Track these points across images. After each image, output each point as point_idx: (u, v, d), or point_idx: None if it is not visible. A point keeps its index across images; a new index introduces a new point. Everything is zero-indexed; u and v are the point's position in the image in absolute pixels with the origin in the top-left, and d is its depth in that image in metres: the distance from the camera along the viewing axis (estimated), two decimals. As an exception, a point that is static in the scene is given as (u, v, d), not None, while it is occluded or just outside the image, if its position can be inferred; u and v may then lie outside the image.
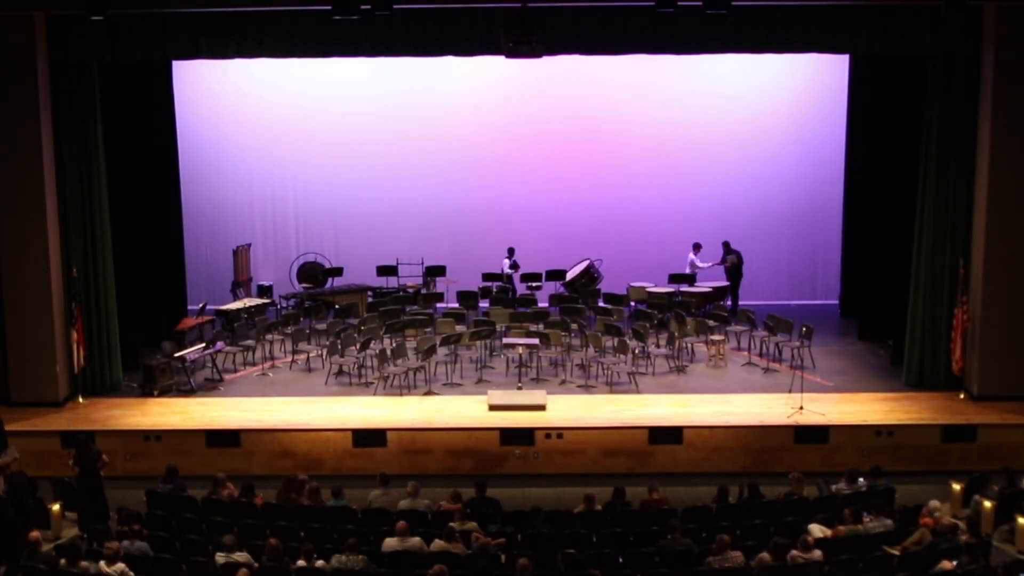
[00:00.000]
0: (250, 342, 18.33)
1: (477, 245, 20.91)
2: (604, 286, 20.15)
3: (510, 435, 15.31)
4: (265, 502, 12.99)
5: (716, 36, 15.82)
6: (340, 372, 17.48)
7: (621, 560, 11.52)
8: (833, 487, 13.56)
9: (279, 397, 16.62)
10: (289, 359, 18.25)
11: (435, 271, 20.56)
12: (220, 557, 11.31)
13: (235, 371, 17.87)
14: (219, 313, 19.42)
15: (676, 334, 18.09)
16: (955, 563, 11.09)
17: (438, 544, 11.65)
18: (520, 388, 16.81)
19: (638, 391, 16.67)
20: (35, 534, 11.89)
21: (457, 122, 20.96)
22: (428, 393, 16.73)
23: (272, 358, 18.35)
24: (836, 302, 20.73)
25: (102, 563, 11.09)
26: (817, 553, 11.34)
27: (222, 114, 20.91)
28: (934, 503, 12.59)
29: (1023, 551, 12.60)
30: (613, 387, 16.84)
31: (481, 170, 21.14)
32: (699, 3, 14.23)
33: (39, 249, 16.07)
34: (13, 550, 12.02)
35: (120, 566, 11.02)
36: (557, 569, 11.13)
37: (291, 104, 20.89)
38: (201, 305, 19.16)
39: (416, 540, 11.72)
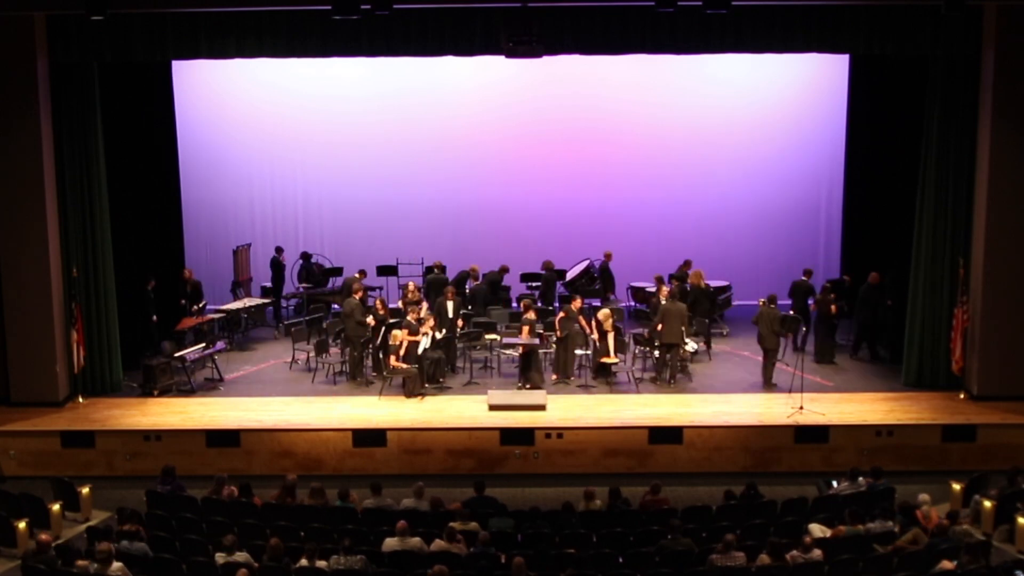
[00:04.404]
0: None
1: (477, 245, 20.89)
2: (604, 286, 20.19)
3: (510, 435, 15.31)
4: (265, 502, 12.99)
5: (716, 36, 15.81)
6: (340, 372, 17.48)
7: (621, 560, 11.52)
8: (833, 486, 13.59)
9: (279, 397, 16.62)
10: (289, 359, 18.26)
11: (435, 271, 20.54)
12: (220, 557, 11.31)
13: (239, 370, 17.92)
14: (219, 312, 19.45)
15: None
16: (955, 563, 11.09)
17: (438, 544, 11.65)
18: (520, 388, 16.81)
19: (638, 391, 16.66)
20: (44, 536, 11.90)
21: (457, 122, 20.97)
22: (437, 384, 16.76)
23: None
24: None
25: (97, 565, 11.09)
26: (817, 553, 11.35)
27: (222, 114, 20.92)
28: (923, 496, 12.59)
29: (1023, 551, 12.60)
30: (613, 387, 16.83)
31: (481, 170, 21.15)
32: (699, 3, 14.22)
33: (39, 249, 16.07)
34: None
35: (118, 565, 11.01)
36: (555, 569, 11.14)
37: (291, 104, 20.91)
38: (201, 305, 19.16)
39: (416, 540, 11.72)
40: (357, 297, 17.30)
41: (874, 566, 11.29)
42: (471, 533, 11.91)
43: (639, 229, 20.97)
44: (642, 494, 13.25)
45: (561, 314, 17.36)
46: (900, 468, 14.80)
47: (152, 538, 11.86)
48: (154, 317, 18.16)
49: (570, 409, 15.97)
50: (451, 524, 11.93)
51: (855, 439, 15.25)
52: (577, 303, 17.51)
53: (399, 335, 16.41)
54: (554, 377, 17.23)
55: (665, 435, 15.30)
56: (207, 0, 15.45)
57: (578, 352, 17.23)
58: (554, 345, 17.45)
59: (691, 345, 17.14)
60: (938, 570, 11.03)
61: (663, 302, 16.96)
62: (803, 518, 12.51)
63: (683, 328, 16.63)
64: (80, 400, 16.45)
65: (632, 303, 20.36)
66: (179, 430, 15.49)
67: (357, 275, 18.86)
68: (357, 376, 17.23)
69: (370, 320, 17.12)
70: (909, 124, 17.10)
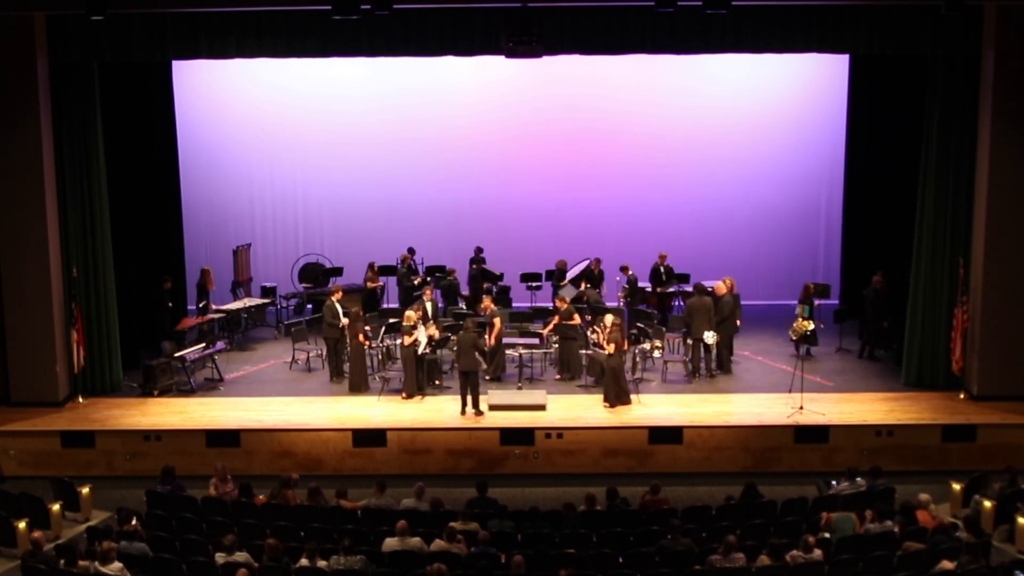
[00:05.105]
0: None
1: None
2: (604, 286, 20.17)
3: (510, 435, 15.31)
4: (265, 502, 12.99)
5: (716, 36, 15.81)
6: (341, 372, 17.49)
7: (621, 560, 11.52)
8: (833, 485, 13.58)
9: (279, 397, 16.62)
10: (289, 359, 18.26)
11: (435, 271, 20.56)
12: (220, 557, 11.32)
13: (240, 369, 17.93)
14: (225, 312, 19.49)
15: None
16: (955, 563, 11.09)
17: (438, 544, 11.65)
18: (520, 388, 16.82)
19: (638, 391, 16.65)
20: (37, 534, 11.91)
21: (457, 122, 20.99)
22: (438, 383, 16.74)
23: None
24: (836, 302, 20.73)
25: (97, 563, 11.10)
26: (817, 553, 11.35)
27: (222, 114, 20.93)
28: (924, 496, 12.60)
29: (1023, 551, 12.60)
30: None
31: (481, 170, 21.17)
32: (699, 3, 14.22)
33: (39, 249, 16.07)
34: None
35: (117, 565, 11.02)
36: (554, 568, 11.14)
37: (291, 104, 20.93)
38: (201, 305, 19.18)
39: (416, 540, 11.72)
40: (334, 299, 17.35)
41: (874, 566, 11.29)
42: (471, 533, 11.91)
43: (639, 229, 20.98)
44: (642, 494, 13.25)
45: (555, 317, 17.34)
46: (900, 468, 14.80)
47: (152, 538, 11.86)
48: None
49: (570, 409, 15.97)
50: (451, 524, 11.93)
51: (855, 439, 15.25)
52: (563, 303, 17.51)
53: (412, 316, 16.47)
54: (557, 377, 17.25)
55: (665, 435, 15.30)
56: (207, 0, 15.45)
57: (582, 352, 17.23)
58: (555, 345, 17.47)
59: (709, 336, 17.07)
60: (938, 570, 11.03)
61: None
62: (803, 518, 12.51)
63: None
64: (80, 400, 16.45)
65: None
66: (179, 430, 15.48)
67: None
68: (334, 375, 17.31)
69: (343, 323, 17.17)
70: (909, 124, 17.10)
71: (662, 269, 19.96)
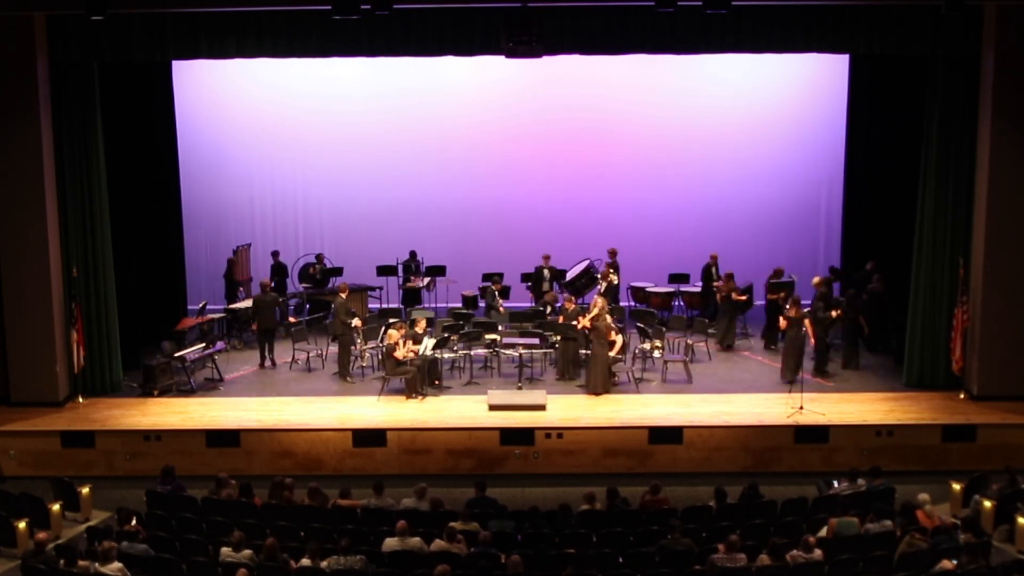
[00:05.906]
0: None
1: (477, 245, 20.90)
2: (604, 286, 20.17)
3: (510, 435, 15.31)
4: (265, 502, 12.99)
5: (716, 36, 15.82)
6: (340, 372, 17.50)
7: (621, 560, 11.52)
8: (834, 485, 13.59)
9: (279, 397, 16.62)
10: (289, 359, 18.26)
11: (435, 271, 20.57)
12: (226, 551, 11.33)
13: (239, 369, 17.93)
14: (228, 311, 19.48)
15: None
16: (955, 563, 11.09)
17: (438, 544, 11.66)
18: (520, 388, 16.82)
19: (638, 391, 16.66)
20: (42, 535, 11.91)
21: (457, 122, 20.98)
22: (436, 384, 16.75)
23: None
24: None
25: (97, 563, 11.10)
26: (817, 553, 11.35)
27: (222, 114, 20.92)
28: (923, 496, 12.60)
29: (1023, 551, 12.60)
30: (613, 387, 16.81)
31: (481, 170, 21.15)
32: (699, 3, 14.22)
33: (39, 249, 16.07)
34: None
35: (117, 565, 11.02)
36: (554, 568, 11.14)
37: (291, 104, 20.90)
38: (201, 305, 19.17)
39: (416, 540, 11.72)
40: (343, 296, 17.38)
41: (874, 566, 11.29)
42: (471, 533, 11.91)
43: (639, 229, 20.96)
44: (642, 494, 13.25)
45: (560, 317, 17.36)
46: (900, 468, 14.80)
47: (152, 538, 11.86)
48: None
49: (570, 409, 15.97)
50: (451, 524, 11.93)
51: (855, 439, 15.25)
52: (570, 303, 17.53)
53: (395, 335, 16.44)
54: (557, 377, 17.26)
55: (665, 435, 15.30)
56: (207, 0, 15.45)
57: (582, 352, 17.23)
58: (555, 345, 17.48)
59: None
60: (938, 570, 11.04)
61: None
62: (803, 518, 12.52)
63: None
64: (80, 400, 16.45)
65: (632, 303, 20.37)
66: (179, 430, 15.48)
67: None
68: (346, 376, 17.29)
69: (356, 322, 17.14)
70: (909, 124, 17.10)
71: (713, 270, 19.88)
